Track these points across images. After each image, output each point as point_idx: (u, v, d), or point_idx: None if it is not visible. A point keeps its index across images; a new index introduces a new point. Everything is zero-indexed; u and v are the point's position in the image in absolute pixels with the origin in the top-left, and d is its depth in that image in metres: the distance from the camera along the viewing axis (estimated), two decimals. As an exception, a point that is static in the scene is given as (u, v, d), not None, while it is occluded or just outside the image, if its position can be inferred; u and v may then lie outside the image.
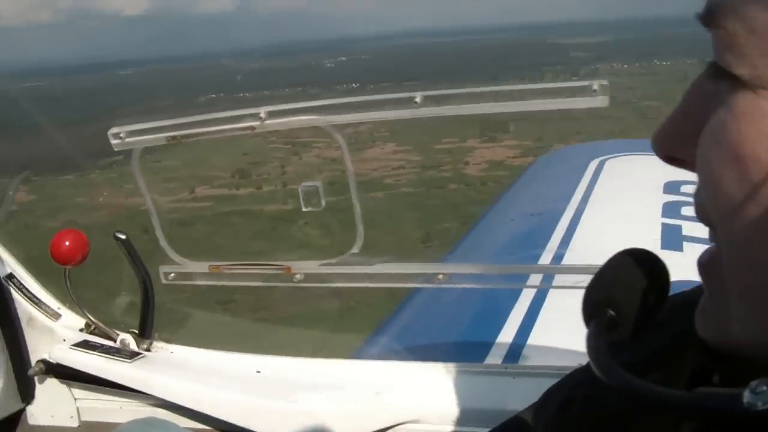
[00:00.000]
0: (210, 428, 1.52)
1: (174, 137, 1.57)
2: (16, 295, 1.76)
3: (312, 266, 1.79)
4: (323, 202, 1.78)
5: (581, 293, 0.62)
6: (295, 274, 1.80)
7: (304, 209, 1.81)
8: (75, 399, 1.75)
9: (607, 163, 4.87)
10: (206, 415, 1.52)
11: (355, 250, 1.89)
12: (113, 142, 1.57)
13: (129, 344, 1.70)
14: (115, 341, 1.72)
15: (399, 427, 1.50)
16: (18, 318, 1.74)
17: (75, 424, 1.76)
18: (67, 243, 1.60)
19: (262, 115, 1.50)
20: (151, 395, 1.60)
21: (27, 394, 1.75)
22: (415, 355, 1.59)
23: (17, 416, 1.78)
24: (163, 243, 1.92)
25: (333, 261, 1.80)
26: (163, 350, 1.72)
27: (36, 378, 1.75)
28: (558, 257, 3.07)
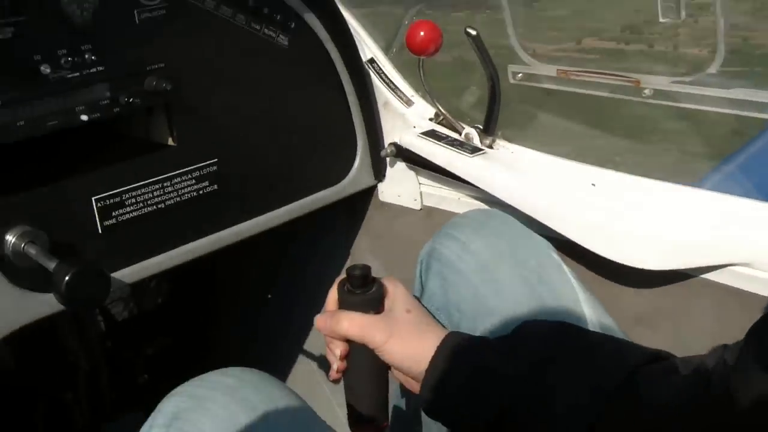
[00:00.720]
0: (542, 235, 1.53)
1: None
2: (375, 79, 1.87)
3: (663, 82, 1.69)
4: (683, 14, 1.68)
5: None
6: (644, 88, 1.71)
7: (661, 19, 1.71)
8: (419, 184, 1.87)
9: None
10: (539, 222, 1.50)
11: (712, 70, 1.74)
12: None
13: (472, 138, 1.73)
14: (460, 134, 1.76)
15: (729, 267, 1.36)
16: (376, 101, 1.87)
17: (418, 207, 1.90)
18: (422, 33, 1.64)
19: None
20: (488, 192, 1.63)
21: (379, 172, 1.91)
22: (762, 195, 1.46)
23: (370, 191, 1.98)
24: (514, 41, 1.91)
25: (687, 79, 1.68)
26: (504, 149, 1.72)
27: (387, 159, 1.90)
28: None
